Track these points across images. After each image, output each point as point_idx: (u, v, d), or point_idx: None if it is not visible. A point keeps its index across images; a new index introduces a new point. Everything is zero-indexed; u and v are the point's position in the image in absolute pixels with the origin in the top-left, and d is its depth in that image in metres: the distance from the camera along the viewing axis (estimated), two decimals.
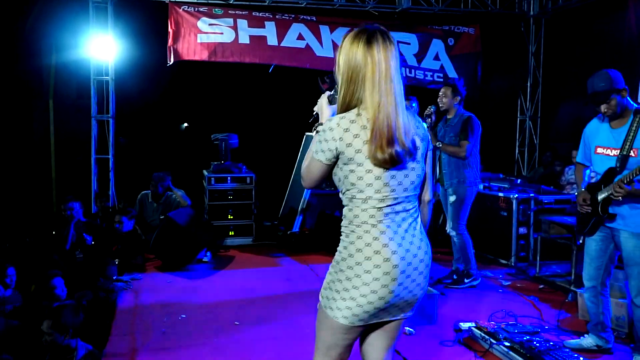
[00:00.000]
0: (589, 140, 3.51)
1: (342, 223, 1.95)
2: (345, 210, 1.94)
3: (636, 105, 3.31)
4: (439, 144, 4.96)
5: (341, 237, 1.94)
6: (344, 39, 1.94)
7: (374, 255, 1.86)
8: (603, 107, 3.28)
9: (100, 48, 6.86)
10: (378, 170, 1.85)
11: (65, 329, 3.39)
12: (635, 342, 3.46)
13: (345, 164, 1.85)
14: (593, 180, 3.50)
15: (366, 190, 1.86)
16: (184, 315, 4.26)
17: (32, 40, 8.26)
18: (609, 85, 3.21)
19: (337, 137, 1.83)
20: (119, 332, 3.93)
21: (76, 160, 7.79)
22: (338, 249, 1.94)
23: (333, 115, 1.97)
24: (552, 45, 8.26)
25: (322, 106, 2.12)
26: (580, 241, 3.59)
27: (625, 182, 3.14)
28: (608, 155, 3.34)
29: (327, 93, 2.11)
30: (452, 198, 4.96)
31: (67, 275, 4.51)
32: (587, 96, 3.34)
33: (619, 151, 3.27)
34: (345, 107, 1.89)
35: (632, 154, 3.20)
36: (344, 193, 1.92)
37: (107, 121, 7.10)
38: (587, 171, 3.62)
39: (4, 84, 8.07)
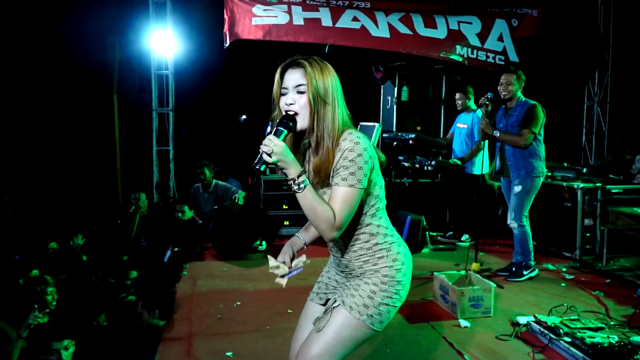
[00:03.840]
0: None
1: (375, 241, 1.93)
2: (371, 229, 1.93)
3: None
4: (496, 133, 4.79)
5: (381, 255, 1.93)
6: (318, 63, 1.86)
7: (409, 254, 2.01)
8: None
9: (160, 43, 7.08)
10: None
11: (153, 308, 3.65)
12: None
13: (372, 179, 1.88)
14: None
15: (382, 197, 1.96)
16: (239, 303, 4.35)
17: (97, 37, 8.64)
18: None
19: (373, 154, 1.85)
20: (178, 316, 4.07)
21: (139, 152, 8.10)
22: (383, 265, 1.92)
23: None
24: (622, 26, 7.77)
25: (287, 155, 1.75)
26: None
27: None
28: None
29: (270, 139, 1.74)
30: (517, 189, 4.77)
31: (132, 262, 4.73)
32: None
33: None
34: (341, 128, 1.85)
35: None
36: (367, 211, 1.92)
37: (167, 114, 7.34)
38: None
39: (73, 81, 8.50)
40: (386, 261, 1.93)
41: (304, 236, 2.17)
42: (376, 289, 1.91)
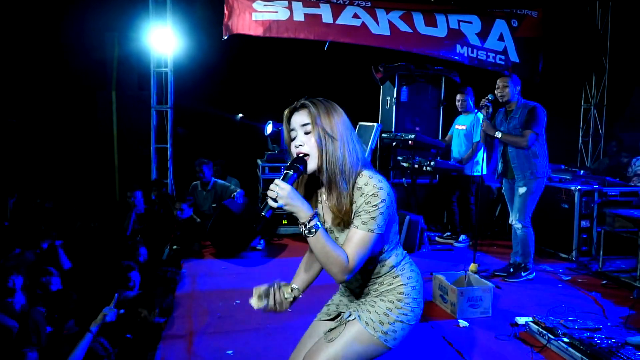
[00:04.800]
0: None
1: (390, 265, 1.96)
2: (384, 255, 1.94)
3: None
4: (498, 134, 4.81)
5: (396, 274, 1.96)
6: (323, 103, 1.83)
7: (419, 272, 2.06)
8: None
9: (160, 40, 7.06)
10: None
11: (153, 306, 3.65)
12: None
13: (391, 218, 1.88)
14: None
15: (396, 230, 1.99)
16: (238, 301, 4.35)
17: (96, 33, 8.61)
18: None
19: (393, 198, 1.83)
20: (178, 315, 4.07)
21: (138, 149, 8.09)
22: (398, 283, 1.95)
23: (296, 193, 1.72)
24: (619, 29, 7.82)
25: (294, 198, 1.69)
26: None
27: None
28: None
29: (276, 184, 1.69)
30: (521, 190, 4.78)
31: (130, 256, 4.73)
32: None
33: None
34: (354, 167, 1.81)
35: None
36: (384, 247, 1.93)
37: (166, 112, 7.33)
38: None
39: (70, 77, 8.47)
40: (401, 279, 1.96)
41: (298, 285, 2.17)
42: (392, 306, 1.92)
